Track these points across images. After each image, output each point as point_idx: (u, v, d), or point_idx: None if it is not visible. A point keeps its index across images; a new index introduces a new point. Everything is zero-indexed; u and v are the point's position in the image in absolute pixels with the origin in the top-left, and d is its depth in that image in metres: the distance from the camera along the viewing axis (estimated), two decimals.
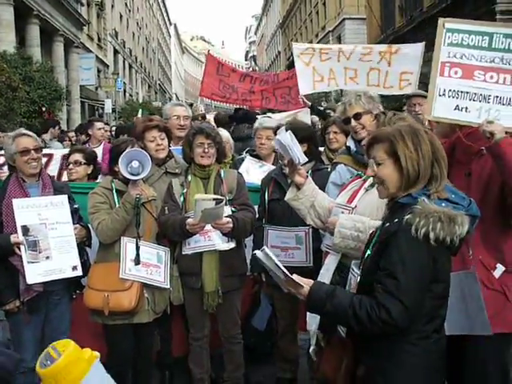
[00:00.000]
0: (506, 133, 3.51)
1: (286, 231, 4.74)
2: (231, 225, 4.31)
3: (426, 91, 6.81)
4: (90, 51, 38.82)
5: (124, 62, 55.53)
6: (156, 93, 79.99)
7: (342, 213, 3.55)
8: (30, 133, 4.58)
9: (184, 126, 5.83)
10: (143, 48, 71.62)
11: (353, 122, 4.10)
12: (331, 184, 4.27)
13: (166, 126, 5.18)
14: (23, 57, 21.71)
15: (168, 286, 4.46)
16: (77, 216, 4.56)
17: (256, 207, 4.89)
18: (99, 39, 43.57)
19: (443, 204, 2.61)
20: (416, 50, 7.47)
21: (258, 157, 5.89)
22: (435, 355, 2.73)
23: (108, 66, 45.95)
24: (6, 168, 5.21)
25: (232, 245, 4.47)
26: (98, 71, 41.82)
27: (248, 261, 4.82)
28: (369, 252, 2.84)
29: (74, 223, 4.41)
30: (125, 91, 52.42)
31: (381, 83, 7.31)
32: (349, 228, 3.34)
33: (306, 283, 2.76)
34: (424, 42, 7.54)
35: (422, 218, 2.51)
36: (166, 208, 4.52)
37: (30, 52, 24.49)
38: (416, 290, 2.56)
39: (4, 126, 13.28)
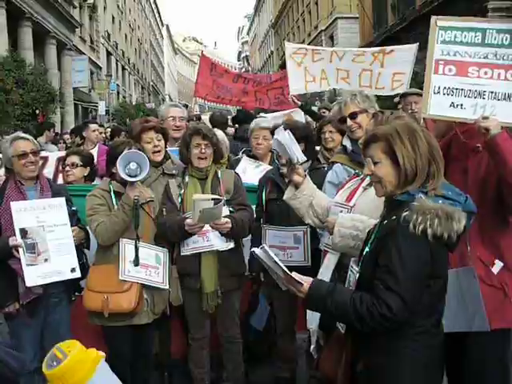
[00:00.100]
0: (502, 128, 3.55)
1: (284, 231, 4.75)
2: (230, 225, 4.33)
3: (420, 89, 6.86)
4: (83, 53, 38.74)
5: (117, 63, 55.45)
6: (149, 94, 79.92)
7: (341, 212, 3.56)
8: (28, 136, 4.59)
9: (180, 127, 5.85)
10: (136, 49, 71.52)
11: (349, 122, 4.12)
12: (328, 183, 4.29)
13: (163, 127, 5.20)
14: (16, 60, 21.65)
15: (167, 287, 4.46)
16: (75, 218, 4.57)
17: (253, 207, 4.90)
18: (92, 41, 43.47)
19: (440, 201, 2.63)
20: (410, 50, 7.44)
21: (254, 157, 5.90)
22: (434, 350, 2.76)
23: (101, 68, 45.87)
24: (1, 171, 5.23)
25: (231, 245, 4.48)
26: (91, 73, 41.74)
27: (246, 261, 4.83)
28: (367, 249, 2.86)
29: (72, 225, 4.41)
30: (118, 93, 52.35)
31: (373, 84, 7.28)
32: (348, 227, 3.36)
33: (306, 281, 2.78)
34: (418, 43, 7.54)
35: (419, 214, 2.54)
36: (164, 209, 4.53)
37: (23, 55, 24.43)
38: (415, 285, 2.58)
39: None
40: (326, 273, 3.63)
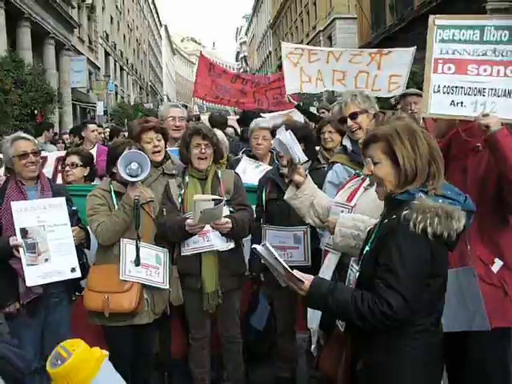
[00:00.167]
0: (503, 124, 3.56)
1: (285, 231, 4.76)
2: (230, 225, 4.34)
3: (418, 89, 6.84)
4: (81, 54, 38.71)
5: (115, 64, 55.43)
6: (147, 94, 79.89)
7: (342, 212, 3.57)
8: (29, 136, 4.60)
9: (179, 127, 5.86)
10: (134, 50, 71.48)
11: (349, 122, 4.12)
12: (328, 183, 4.30)
13: (163, 127, 5.20)
14: (15, 60, 21.62)
15: (167, 287, 4.46)
16: (75, 218, 4.57)
17: (253, 207, 4.91)
18: (90, 42, 43.44)
19: (440, 200, 2.65)
20: (407, 53, 7.41)
21: (254, 157, 5.92)
22: (434, 348, 2.78)
23: (99, 69, 45.85)
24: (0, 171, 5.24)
25: (231, 245, 4.48)
26: (90, 74, 41.74)
27: (246, 261, 4.85)
28: (367, 248, 2.88)
29: (72, 225, 4.41)
30: (116, 93, 52.34)
31: (369, 86, 7.24)
32: (349, 227, 3.37)
33: (307, 279, 2.79)
34: (415, 46, 7.52)
35: (419, 213, 2.56)
36: (164, 209, 4.54)
37: (22, 55, 24.38)
38: (415, 283, 2.60)
39: None
40: (326, 273, 3.64)
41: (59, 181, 6.03)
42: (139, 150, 4.48)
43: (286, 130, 3.72)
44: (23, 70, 21.40)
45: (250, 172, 5.66)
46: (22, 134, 4.65)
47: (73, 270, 4.31)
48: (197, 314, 4.66)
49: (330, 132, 5.88)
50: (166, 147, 5.08)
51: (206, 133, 4.56)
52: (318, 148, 5.84)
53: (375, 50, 7.56)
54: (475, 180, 3.69)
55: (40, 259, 4.17)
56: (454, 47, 3.89)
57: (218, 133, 5.27)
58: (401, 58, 7.27)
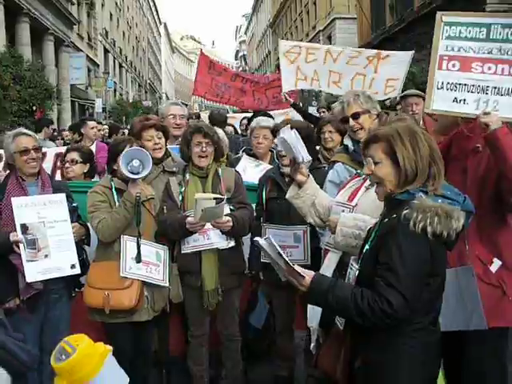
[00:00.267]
0: (504, 123, 3.58)
1: (285, 230, 4.77)
2: (231, 223, 4.35)
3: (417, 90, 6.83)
4: (81, 50, 38.64)
5: (114, 61, 55.36)
6: (146, 92, 79.80)
7: (343, 211, 3.58)
8: (30, 132, 4.60)
9: (180, 125, 5.89)
10: (133, 47, 71.41)
11: (351, 122, 4.12)
12: (329, 182, 4.31)
13: (163, 125, 5.21)
14: (14, 55, 21.60)
15: (167, 285, 4.47)
16: (75, 214, 4.57)
17: (253, 206, 4.92)
18: (89, 38, 43.36)
19: (440, 200, 2.67)
20: (405, 56, 7.39)
21: (254, 156, 5.92)
22: (431, 347, 2.80)
23: (98, 66, 45.79)
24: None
25: (231, 243, 4.50)
26: (89, 70, 41.66)
27: (246, 259, 4.86)
28: (367, 247, 2.90)
29: (72, 221, 4.42)
30: (115, 90, 52.27)
31: (365, 88, 7.16)
32: (350, 226, 3.38)
33: (308, 274, 2.81)
34: (413, 51, 7.51)
35: (419, 212, 2.58)
36: (165, 207, 4.55)
37: (20, 51, 24.31)
38: (415, 282, 2.62)
39: None
40: (327, 272, 3.63)
41: (58, 177, 6.04)
42: (140, 147, 4.48)
43: (291, 129, 3.72)
44: (22, 66, 21.40)
45: (250, 171, 5.66)
46: (23, 129, 4.65)
47: (72, 266, 4.32)
48: (196, 312, 4.67)
49: (330, 132, 5.89)
50: (166, 145, 5.09)
51: (207, 131, 4.57)
52: (317, 148, 5.85)
53: (374, 52, 7.48)
54: (475, 180, 3.72)
55: (40, 255, 4.18)
56: (459, 44, 3.90)
57: (219, 131, 5.28)
58: (399, 62, 7.23)
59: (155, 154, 4.83)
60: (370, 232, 2.98)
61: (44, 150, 6.71)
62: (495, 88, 3.82)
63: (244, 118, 11.63)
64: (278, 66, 9.90)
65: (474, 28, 3.90)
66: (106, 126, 13.14)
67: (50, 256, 4.22)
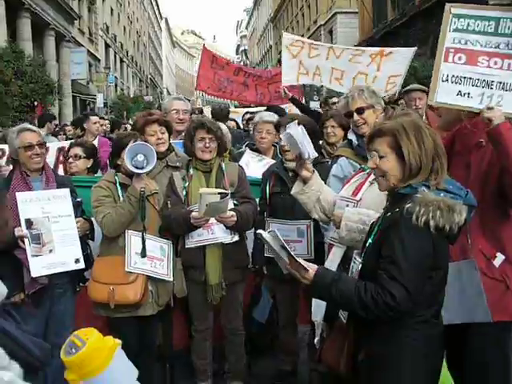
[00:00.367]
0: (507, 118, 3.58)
1: (288, 224, 4.77)
2: (235, 218, 4.36)
3: (419, 84, 6.79)
4: (82, 45, 38.58)
5: (115, 56, 55.30)
6: (147, 87, 79.73)
7: (347, 206, 3.59)
8: (35, 128, 4.62)
9: (183, 120, 5.89)
10: (134, 42, 71.31)
11: (355, 117, 4.12)
12: (333, 177, 4.31)
13: (167, 120, 5.21)
14: (15, 51, 21.58)
15: (171, 279, 4.49)
16: (79, 209, 4.58)
17: (257, 200, 4.92)
18: (90, 33, 43.29)
19: (442, 194, 2.69)
20: (408, 52, 7.34)
21: (257, 151, 5.93)
22: (434, 340, 2.82)
23: (99, 61, 45.74)
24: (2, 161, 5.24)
25: (235, 238, 4.51)
26: (90, 65, 41.61)
27: (250, 253, 4.88)
28: (370, 240, 2.92)
29: (76, 216, 4.43)
30: (116, 85, 52.24)
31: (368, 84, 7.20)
32: (355, 221, 3.39)
33: (312, 268, 2.83)
34: (416, 47, 7.47)
35: (422, 206, 2.60)
36: (169, 202, 4.56)
37: (22, 46, 24.28)
38: (417, 276, 2.65)
39: None
40: (331, 266, 3.63)
41: (60, 171, 6.05)
42: (144, 142, 4.49)
43: (298, 124, 3.73)
44: (23, 61, 21.39)
45: (253, 165, 5.67)
46: (27, 125, 4.67)
47: (77, 261, 4.34)
48: (200, 306, 4.69)
49: (332, 126, 5.87)
50: (169, 140, 5.10)
51: (211, 126, 4.58)
52: (320, 142, 5.85)
53: (377, 49, 7.41)
54: (478, 175, 3.72)
55: (44, 250, 4.20)
56: (467, 37, 3.88)
57: (222, 126, 5.28)
58: (401, 58, 7.19)
59: (158, 149, 4.83)
60: (373, 226, 2.99)
61: (47, 144, 6.74)
62: (500, 83, 3.81)
63: (246, 112, 11.62)
64: (279, 61, 9.85)
65: (482, 21, 3.88)
66: (107, 121, 13.15)
67: (55, 251, 4.23)
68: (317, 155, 3.92)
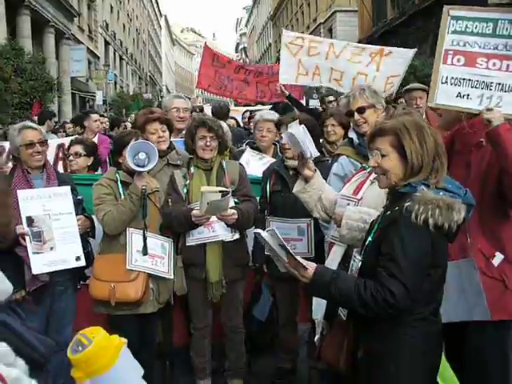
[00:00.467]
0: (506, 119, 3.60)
1: (288, 223, 4.78)
2: (236, 216, 4.37)
3: (419, 82, 6.78)
4: (81, 43, 38.59)
5: (115, 53, 55.27)
6: (146, 84, 79.66)
7: (348, 204, 3.61)
8: (36, 126, 4.63)
9: (183, 118, 5.90)
10: (134, 40, 71.26)
11: (356, 116, 4.14)
12: (333, 175, 4.32)
13: (168, 118, 5.22)
14: (14, 48, 21.57)
15: (172, 277, 4.50)
16: (80, 207, 4.59)
17: (257, 198, 4.93)
18: (90, 31, 43.28)
19: (441, 193, 2.71)
20: (407, 54, 7.31)
21: (258, 149, 5.94)
22: (432, 337, 2.85)
23: (99, 58, 45.74)
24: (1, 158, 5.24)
25: (236, 236, 4.52)
26: (89, 63, 41.62)
27: (250, 251, 4.89)
28: (370, 238, 2.94)
29: (77, 214, 4.44)
30: (115, 83, 52.19)
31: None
32: (356, 220, 3.40)
33: (311, 266, 2.85)
34: (416, 49, 7.45)
35: (421, 204, 2.62)
36: (170, 200, 4.57)
37: (21, 43, 24.29)
38: (416, 273, 2.67)
39: None
40: (332, 265, 3.65)
41: (60, 168, 6.07)
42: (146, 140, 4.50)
43: (300, 124, 3.74)
44: (23, 59, 21.39)
45: (254, 164, 5.67)
46: (29, 123, 4.67)
47: (77, 258, 4.34)
48: (200, 304, 4.70)
49: (332, 125, 5.89)
50: (170, 138, 5.11)
51: (212, 125, 4.58)
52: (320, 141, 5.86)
53: (377, 48, 7.35)
54: (478, 175, 3.74)
55: (45, 247, 4.20)
56: (465, 39, 3.91)
57: (223, 125, 5.29)
58: (400, 59, 7.15)
59: (160, 147, 4.83)
60: (373, 224, 3.02)
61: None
62: (499, 84, 3.84)
63: (246, 111, 11.62)
64: (278, 59, 9.79)
65: (480, 23, 3.90)
66: (107, 119, 13.16)
67: (56, 248, 4.24)
68: (318, 154, 3.93)
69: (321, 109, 9.65)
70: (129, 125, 12.46)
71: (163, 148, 4.91)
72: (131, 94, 53.81)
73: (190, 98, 12.28)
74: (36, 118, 12.44)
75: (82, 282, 4.71)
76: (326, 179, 4.16)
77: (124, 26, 62.96)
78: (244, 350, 4.90)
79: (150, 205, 4.45)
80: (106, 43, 50.79)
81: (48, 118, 11.52)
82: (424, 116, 5.98)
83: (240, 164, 4.95)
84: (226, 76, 10.02)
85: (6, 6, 23.88)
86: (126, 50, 62.93)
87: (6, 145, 5.63)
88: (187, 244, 4.51)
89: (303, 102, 10.75)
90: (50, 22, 30.71)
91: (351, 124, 4.40)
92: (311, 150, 3.67)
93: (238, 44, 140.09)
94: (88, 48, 39.96)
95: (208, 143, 4.56)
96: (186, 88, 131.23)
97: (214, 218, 4.40)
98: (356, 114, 4.13)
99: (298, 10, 56.29)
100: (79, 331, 1.87)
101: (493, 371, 3.70)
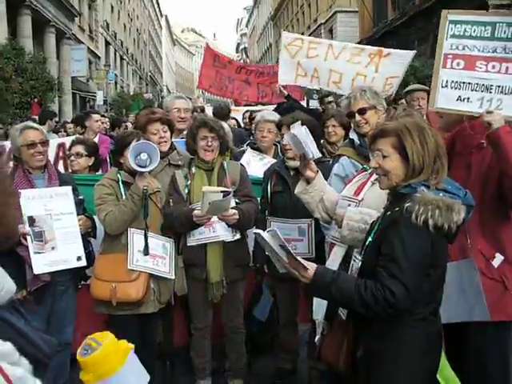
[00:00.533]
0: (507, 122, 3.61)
1: (289, 223, 4.78)
2: (237, 216, 4.38)
3: (419, 83, 6.78)
4: (82, 42, 38.59)
5: (115, 53, 55.26)
6: (147, 85, 79.62)
7: (349, 205, 3.62)
8: (37, 126, 4.63)
9: (184, 119, 5.92)
10: (134, 40, 71.25)
11: (357, 117, 4.15)
12: (334, 176, 4.33)
13: (169, 118, 5.23)
14: (15, 48, 21.57)
15: (173, 277, 4.51)
16: (81, 207, 4.60)
17: (258, 199, 4.94)
18: (90, 31, 43.28)
19: (441, 194, 2.72)
20: (406, 55, 7.31)
21: (258, 149, 5.95)
22: (432, 337, 2.86)
23: (99, 58, 45.73)
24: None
25: (237, 236, 4.53)
26: (90, 63, 41.60)
27: (251, 252, 4.89)
28: (370, 239, 2.96)
29: (78, 214, 4.44)
30: (116, 83, 52.21)
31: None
32: (356, 220, 3.41)
33: (311, 266, 2.86)
34: (415, 51, 7.45)
35: (421, 205, 2.64)
36: (171, 200, 4.58)
37: (22, 43, 24.27)
38: (416, 274, 2.68)
39: None
40: (333, 265, 3.67)
41: (60, 167, 6.07)
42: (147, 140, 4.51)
43: (302, 125, 3.75)
44: (24, 58, 21.37)
45: (254, 164, 5.68)
46: (30, 123, 4.69)
47: (79, 258, 4.34)
48: (200, 304, 4.71)
49: (333, 126, 5.92)
50: (171, 138, 5.12)
51: (213, 125, 4.59)
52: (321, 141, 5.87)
53: (375, 49, 7.33)
54: (479, 176, 3.75)
55: (47, 247, 4.20)
56: (464, 43, 3.94)
57: (224, 125, 5.30)
58: (399, 60, 7.15)
59: (161, 148, 4.84)
60: (373, 225, 3.03)
61: None
62: (499, 87, 3.86)
63: (246, 111, 11.63)
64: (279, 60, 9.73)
65: (478, 26, 3.93)
66: (107, 119, 13.16)
67: (57, 248, 4.24)
68: (320, 155, 3.95)
69: (320, 109, 9.63)
70: (129, 125, 12.47)
71: (164, 149, 4.92)
72: (132, 94, 53.82)
73: (190, 99, 12.28)
74: (37, 117, 12.43)
75: (82, 282, 4.72)
76: (326, 180, 4.18)
77: (125, 26, 62.95)
78: (244, 351, 4.91)
79: (151, 205, 4.46)
80: (107, 43, 50.79)
81: (49, 117, 11.52)
82: (424, 117, 6.01)
83: (241, 165, 4.96)
84: (227, 76, 10.03)
85: (6, 5, 23.88)
86: (127, 49, 62.93)
87: (7, 145, 5.64)
88: (188, 244, 4.52)
89: (304, 102, 10.76)
90: (50, 22, 30.71)
91: (352, 125, 4.41)
92: (313, 151, 3.68)
93: (238, 44, 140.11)
94: (89, 48, 39.95)
95: (209, 143, 4.57)
96: (187, 88, 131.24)
97: (214, 219, 4.41)
98: (357, 115, 4.14)
99: (299, 10, 56.28)
100: (88, 335, 1.90)
101: (493, 372, 3.72)
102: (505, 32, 3.87)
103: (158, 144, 4.82)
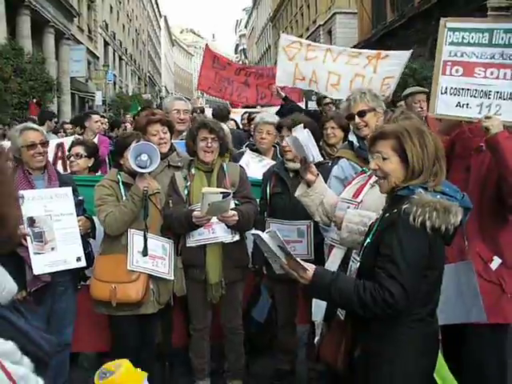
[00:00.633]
0: (506, 127, 3.63)
1: (288, 224, 4.80)
2: (237, 218, 4.39)
3: (418, 85, 6.80)
4: (81, 43, 38.60)
5: (114, 54, 55.26)
6: (146, 85, 79.59)
7: (348, 207, 3.63)
8: (37, 127, 4.64)
9: (184, 120, 5.92)
10: (133, 40, 71.23)
11: (356, 119, 4.16)
12: (334, 178, 4.34)
13: (169, 119, 5.25)
14: (14, 48, 21.58)
15: (172, 278, 4.52)
16: (81, 208, 4.60)
17: (257, 200, 4.95)
18: (89, 31, 43.28)
19: (438, 196, 2.75)
20: (403, 56, 7.32)
21: (257, 151, 5.97)
22: (429, 338, 2.88)
23: (98, 58, 45.73)
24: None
25: (236, 237, 4.54)
26: (89, 63, 41.60)
27: (250, 253, 4.90)
28: (368, 240, 2.97)
29: (78, 215, 4.44)
30: (115, 83, 52.17)
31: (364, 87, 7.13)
32: (356, 223, 3.42)
33: (310, 267, 2.88)
34: (412, 50, 7.46)
35: (419, 207, 2.66)
36: (171, 201, 4.59)
37: (21, 43, 24.31)
38: (414, 275, 2.70)
39: None
40: (332, 267, 3.66)
41: (59, 167, 6.08)
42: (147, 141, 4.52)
43: (304, 128, 3.76)
44: (23, 59, 21.40)
45: (253, 166, 5.69)
46: (30, 124, 4.70)
47: (78, 259, 4.34)
48: (199, 305, 4.72)
49: (332, 128, 5.91)
50: (171, 140, 5.13)
51: (213, 127, 4.60)
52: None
53: (374, 52, 7.34)
54: (478, 179, 3.78)
55: (47, 248, 4.20)
56: (462, 50, 3.98)
57: (224, 127, 5.32)
58: (396, 61, 7.16)
59: (161, 149, 4.84)
60: (372, 226, 3.05)
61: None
62: (497, 92, 3.89)
63: (245, 112, 11.63)
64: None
65: (476, 33, 3.97)
66: (106, 120, 13.16)
67: (57, 249, 4.24)
68: (321, 159, 3.96)
69: (319, 110, 9.65)
70: (129, 126, 12.47)
71: (164, 150, 4.93)
72: (130, 94, 53.81)
73: (189, 99, 12.29)
74: (36, 118, 12.43)
75: (82, 283, 4.72)
76: (325, 182, 4.19)
77: (124, 27, 62.94)
78: (243, 351, 4.92)
79: (151, 206, 4.47)
80: (106, 43, 50.79)
81: (48, 118, 11.51)
82: (424, 120, 6.03)
83: (240, 166, 4.97)
84: (227, 78, 10.03)
85: (5, 5, 23.89)
86: (126, 50, 62.91)
87: (6, 145, 5.64)
88: (187, 245, 4.54)
89: (302, 104, 10.77)
90: (49, 22, 30.72)
91: (351, 127, 4.43)
92: (314, 155, 3.69)
93: (237, 45, 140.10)
94: (87, 48, 39.97)
95: (209, 144, 4.58)
96: (185, 88, 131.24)
97: (214, 220, 4.42)
98: (357, 117, 4.15)
99: (298, 11, 56.30)
100: (106, 362, 2.00)
101: (490, 374, 3.74)
102: (502, 38, 3.91)
103: (157, 145, 4.83)
